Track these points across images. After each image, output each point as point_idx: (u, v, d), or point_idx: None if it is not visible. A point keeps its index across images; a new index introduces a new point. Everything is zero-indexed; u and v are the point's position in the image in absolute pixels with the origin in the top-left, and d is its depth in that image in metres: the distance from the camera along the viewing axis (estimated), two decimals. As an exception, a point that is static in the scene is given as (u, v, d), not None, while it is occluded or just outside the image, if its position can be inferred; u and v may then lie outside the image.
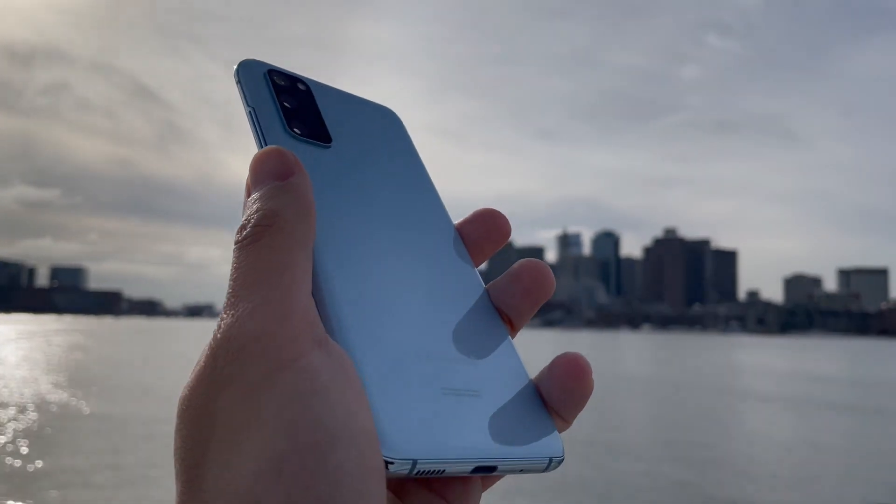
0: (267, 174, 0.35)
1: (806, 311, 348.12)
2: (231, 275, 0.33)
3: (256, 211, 0.34)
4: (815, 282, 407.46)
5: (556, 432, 0.38)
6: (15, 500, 8.88)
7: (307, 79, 0.43)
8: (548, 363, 0.39)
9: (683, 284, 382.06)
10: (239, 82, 0.39)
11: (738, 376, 37.73)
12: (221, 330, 0.31)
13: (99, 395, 19.67)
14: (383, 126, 0.45)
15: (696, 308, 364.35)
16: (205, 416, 0.30)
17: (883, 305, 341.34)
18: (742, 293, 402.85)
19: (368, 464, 0.30)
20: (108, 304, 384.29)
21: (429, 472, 0.33)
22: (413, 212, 0.42)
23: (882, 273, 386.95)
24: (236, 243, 0.33)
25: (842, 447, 15.36)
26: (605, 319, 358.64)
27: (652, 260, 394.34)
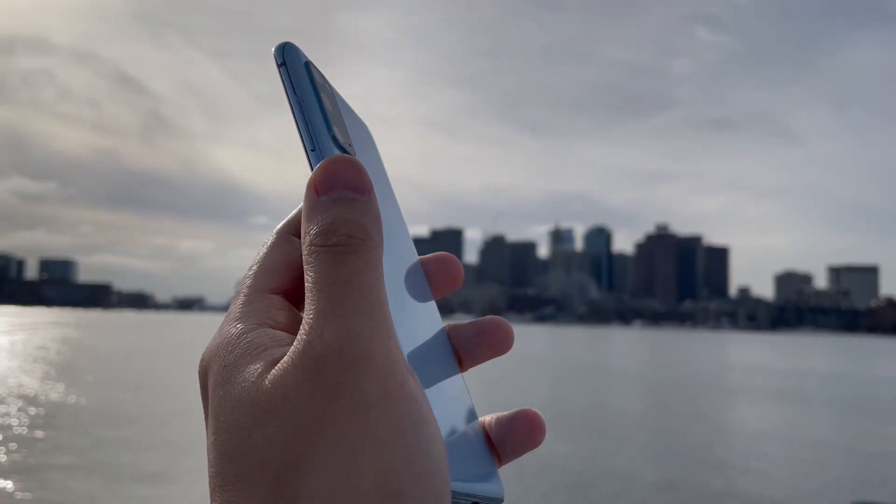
0: (345, 183, 0.35)
1: (796, 308, 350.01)
2: (320, 277, 0.32)
3: (345, 221, 0.33)
4: (806, 279, 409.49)
5: (498, 475, 0.42)
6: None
7: (326, 80, 0.43)
8: (509, 413, 0.42)
9: (675, 280, 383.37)
10: (283, 65, 0.38)
11: (727, 373, 37.94)
12: (328, 336, 0.31)
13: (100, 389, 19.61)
14: (370, 139, 0.46)
15: (688, 304, 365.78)
16: (312, 417, 0.30)
17: (872, 303, 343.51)
18: (733, 289, 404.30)
19: (446, 495, 0.34)
20: (98, 296, 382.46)
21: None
22: (395, 228, 0.42)
23: (872, 271, 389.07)
24: (322, 245, 0.33)
25: (827, 442, 15.50)
26: (597, 315, 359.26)
27: (644, 256, 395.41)
